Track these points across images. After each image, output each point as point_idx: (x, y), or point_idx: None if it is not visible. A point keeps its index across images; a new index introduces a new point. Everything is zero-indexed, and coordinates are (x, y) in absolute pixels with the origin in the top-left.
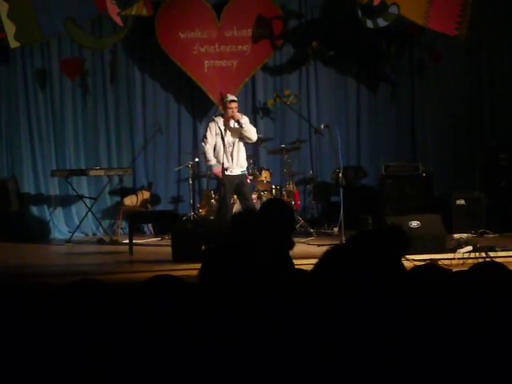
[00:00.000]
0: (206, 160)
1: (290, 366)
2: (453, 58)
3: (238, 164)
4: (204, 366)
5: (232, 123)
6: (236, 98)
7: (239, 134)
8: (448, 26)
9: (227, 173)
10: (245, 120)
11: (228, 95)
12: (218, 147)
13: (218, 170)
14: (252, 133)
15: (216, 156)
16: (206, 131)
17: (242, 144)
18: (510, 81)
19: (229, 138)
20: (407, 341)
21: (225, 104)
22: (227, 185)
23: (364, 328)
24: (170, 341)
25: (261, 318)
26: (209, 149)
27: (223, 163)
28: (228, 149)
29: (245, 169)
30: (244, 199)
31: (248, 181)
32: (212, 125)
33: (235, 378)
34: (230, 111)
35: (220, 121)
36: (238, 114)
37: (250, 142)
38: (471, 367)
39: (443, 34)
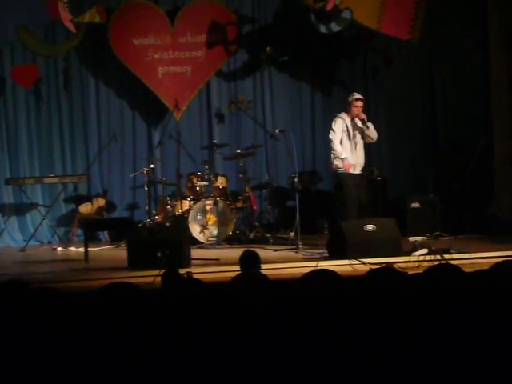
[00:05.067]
0: (335, 153)
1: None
2: (406, 62)
3: (359, 163)
4: (159, 372)
5: (357, 121)
6: (362, 97)
7: (362, 133)
8: (401, 30)
9: (351, 170)
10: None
11: (355, 93)
12: (343, 144)
13: (349, 164)
14: (375, 133)
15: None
16: (334, 126)
17: (362, 143)
18: (463, 84)
19: (355, 136)
20: (362, 342)
21: (350, 102)
22: (350, 182)
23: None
24: (125, 348)
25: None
26: (338, 142)
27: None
28: (354, 148)
29: (362, 169)
30: (360, 205)
31: (364, 182)
32: (339, 121)
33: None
34: (355, 109)
35: (346, 118)
36: (361, 112)
37: (371, 141)
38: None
39: (396, 38)
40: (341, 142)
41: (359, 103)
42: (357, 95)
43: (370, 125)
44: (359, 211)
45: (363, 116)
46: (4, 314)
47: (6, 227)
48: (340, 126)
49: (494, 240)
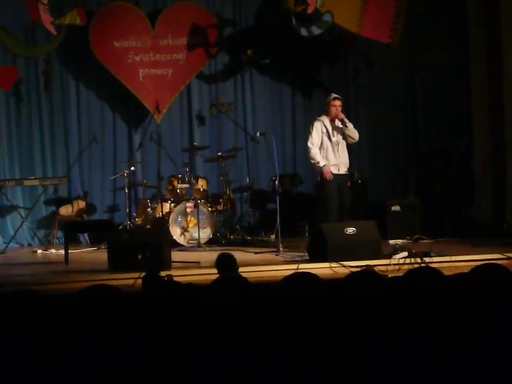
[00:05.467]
0: (314, 161)
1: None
2: (386, 65)
3: (343, 163)
4: (138, 373)
5: (336, 122)
6: (339, 96)
7: (343, 133)
8: (381, 34)
9: (334, 171)
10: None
11: (332, 93)
12: (325, 146)
13: (329, 169)
14: (356, 132)
15: (325, 155)
16: (312, 131)
17: (345, 143)
18: (443, 87)
19: (335, 136)
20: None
21: (328, 102)
22: (333, 183)
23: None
24: (106, 350)
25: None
26: (316, 151)
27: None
28: (336, 148)
29: (347, 168)
30: (343, 207)
31: (349, 183)
32: (317, 124)
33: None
34: (333, 109)
35: (326, 120)
36: (339, 112)
37: (353, 141)
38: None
39: (377, 42)
40: (322, 144)
41: (337, 102)
42: (334, 95)
43: (349, 124)
44: (342, 214)
45: (342, 116)
46: None
47: None
48: (319, 129)
49: (474, 243)
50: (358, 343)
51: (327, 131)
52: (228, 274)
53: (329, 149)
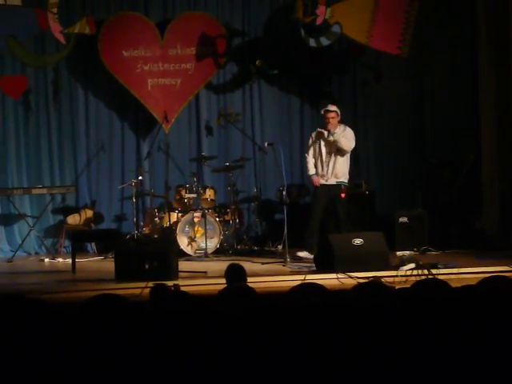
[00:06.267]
0: (307, 170)
1: None
2: (395, 76)
3: (333, 174)
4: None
5: (326, 133)
6: (332, 108)
7: (335, 145)
8: (390, 45)
9: (322, 181)
10: (339, 131)
11: (328, 105)
12: (316, 156)
13: (315, 179)
14: (345, 143)
15: (316, 165)
16: (309, 141)
17: (339, 155)
18: (451, 100)
19: (325, 147)
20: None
21: (323, 115)
22: (319, 193)
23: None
24: (112, 359)
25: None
26: (310, 159)
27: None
28: (325, 159)
29: (342, 180)
30: (335, 217)
31: (343, 195)
32: (313, 134)
33: None
34: (325, 121)
35: (320, 131)
36: (332, 124)
37: (345, 152)
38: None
39: (385, 53)
40: (314, 154)
41: (328, 114)
42: (327, 107)
43: (335, 136)
44: (338, 224)
45: (329, 127)
46: None
47: None
48: (311, 140)
49: (481, 255)
50: (365, 355)
51: (319, 142)
52: (236, 284)
53: (318, 159)
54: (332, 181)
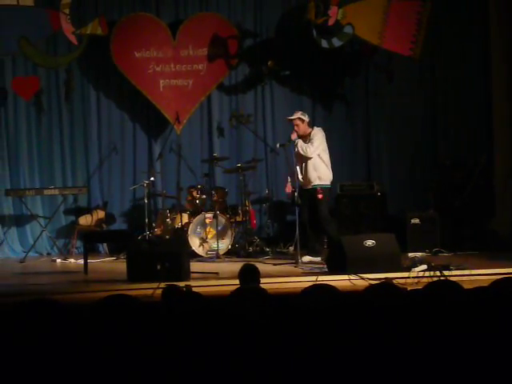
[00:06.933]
0: None
1: None
2: (407, 77)
3: (307, 180)
4: None
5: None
6: (294, 116)
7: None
8: (402, 46)
9: (303, 187)
10: (295, 137)
11: (294, 113)
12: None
13: (289, 186)
14: (304, 150)
15: None
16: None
17: (309, 161)
18: (463, 100)
19: (297, 155)
20: (362, 358)
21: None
22: (302, 198)
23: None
24: (124, 360)
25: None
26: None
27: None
28: (299, 166)
29: (315, 184)
30: (318, 218)
31: (320, 196)
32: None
33: None
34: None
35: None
36: (299, 130)
37: (307, 158)
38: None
39: (397, 54)
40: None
41: (295, 121)
42: (292, 116)
43: (290, 143)
44: (323, 225)
45: (293, 135)
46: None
47: (6, 238)
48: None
49: (493, 256)
50: (376, 356)
51: (296, 149)
52: (250, 284)
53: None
54: (308, 186)
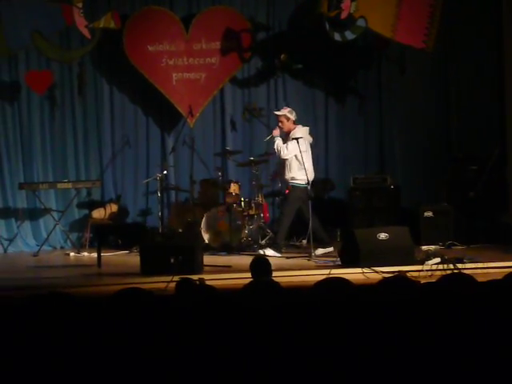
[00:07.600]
0: None
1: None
2: (420, 71)
3: (284, 178)
4: (171, 377)
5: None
6: (280, 112)
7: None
8: (415, 39)
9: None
10: (277, 133)
11: (282, 108)
12: None
13: None
14: (277, 149)
15: None
16: None
17: (285, 161)
18: (477, 93)
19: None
20: (375, 351)
21: None
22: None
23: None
24: (138, 353)
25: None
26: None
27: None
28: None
29: (290, 182)
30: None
31: (286, 191)
32: None
33: None
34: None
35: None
36: (284, 128)
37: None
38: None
39: (410, 47)
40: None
41: (279, 118)
42: (279, 111)
43: (271, 138)
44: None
45: (275, 132)
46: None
47: (19, 232)
48: None
49: (507, 249)
50: (391, 349)
51: None
52: (262, 277)
53: None
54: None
